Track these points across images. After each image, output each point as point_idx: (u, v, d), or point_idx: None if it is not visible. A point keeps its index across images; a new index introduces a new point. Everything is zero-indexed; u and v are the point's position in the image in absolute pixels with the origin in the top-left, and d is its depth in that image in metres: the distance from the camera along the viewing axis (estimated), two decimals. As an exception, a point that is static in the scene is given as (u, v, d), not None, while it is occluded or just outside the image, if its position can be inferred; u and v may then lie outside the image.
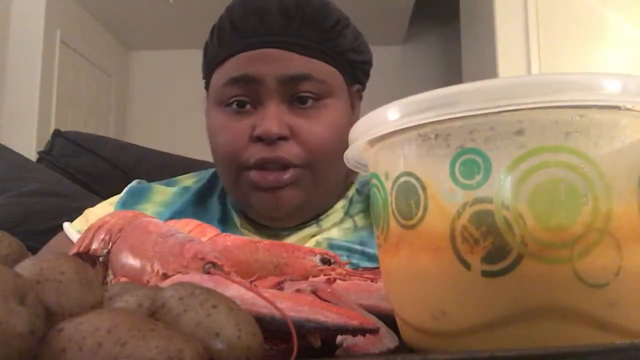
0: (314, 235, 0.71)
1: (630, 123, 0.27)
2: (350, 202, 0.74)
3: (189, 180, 0.83)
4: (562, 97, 0.25)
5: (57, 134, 1.15)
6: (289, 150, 0.64)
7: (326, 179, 0.68)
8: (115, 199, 0.79)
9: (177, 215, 0.71)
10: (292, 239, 0.70)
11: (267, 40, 0.66)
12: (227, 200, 0.77)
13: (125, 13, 3.45)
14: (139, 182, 0.81)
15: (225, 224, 0.74)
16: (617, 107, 0.26)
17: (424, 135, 0.28)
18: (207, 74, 0.73)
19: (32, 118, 2.82)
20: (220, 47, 0.69)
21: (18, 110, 2.80)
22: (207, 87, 0.75)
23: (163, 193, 0.78)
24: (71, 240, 0.72)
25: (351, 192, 0.76)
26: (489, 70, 2.29)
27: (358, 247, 0.68)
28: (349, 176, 0.76)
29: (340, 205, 0.74)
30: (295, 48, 0.66)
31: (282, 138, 0.64)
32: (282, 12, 0.66)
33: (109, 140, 1.26)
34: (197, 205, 0.76)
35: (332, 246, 0.69)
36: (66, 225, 0.75)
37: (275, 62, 0.65)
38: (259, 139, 0.64)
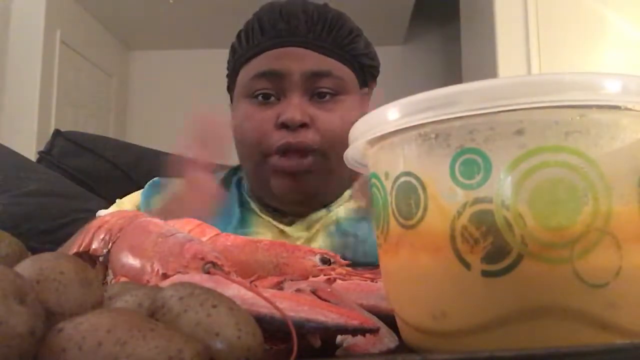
0: (323, 217, 0.78)
1: (630, 123, 0.27)
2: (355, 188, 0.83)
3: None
4: (562, 97, 0.25)
5: (57, 134, 1.15)
6: (309, 136, 0.72)
7: (338, 168, 0.74)
8: (139, 192, 0.85)
9: None
10: (303, 223, 0.78)
11: (293, 40, 0.74)
12: (246, 192, 0.83)
13: (125, 13, 3.45)
14: (159, 178, 0.87)
15: (243, 212, 0.81)
16: (617, 107, 0.26)
17: (424, 135, 0.28)
18: (233, 72, 0.81)
19: (32, 118, 2.81)
20: (248, 47, 0.77)
21: (18, 110, 2.80)
22: (230, 86, 0.83)
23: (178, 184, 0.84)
24: None
25: (358, 182, 0.83)
26: (489, 70, 2.29)
27: (364, 221, 0.76)
28: (353, 173, 0.82)
29: (348, 194, 0.82)
30: (317, 49, 0.75)
31: (304, 125, 0.72)
32: (306, 17, 0.76)
33: (109, 140, 1.26)
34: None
35: (340, 229, 0.77)
36: (102, 211, 0.79)
37: (299, 59, 0.74)
38: (283, 126, 0.72)
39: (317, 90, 0.74)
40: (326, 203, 0.80)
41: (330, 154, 0.74)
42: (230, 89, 0.83)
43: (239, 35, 0.80)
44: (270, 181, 0.75)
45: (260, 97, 0.74)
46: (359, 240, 0.75)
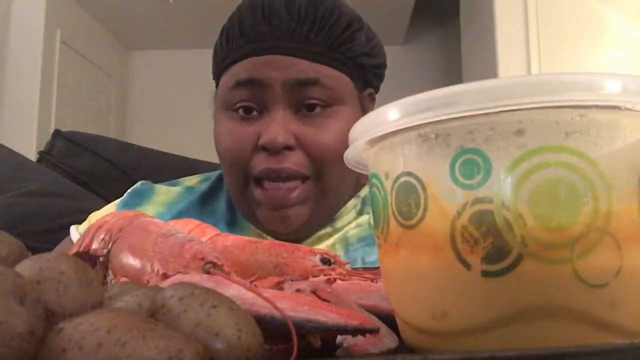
0: (330, 236, 0.70)
1: (630, 123, 0.27)
2: (363, 201, 0.74)
3: (193, 181, 0.82)
4: (562, 97, 0.25)
5: (57, 134, 1.15)
6: (295, 160, 0.63)
7: (334, 189, 0.67)
8: (118, 201, 0.78)
9: (179, 215, 0.71)
10: (307, 242, 0.69)
11: (275, 46, 0.64)
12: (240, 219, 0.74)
13: (125, 13, 3.45)
14: (143, 183, 0.80)
15: (233, 226, 0.73)
16: (617, 107, 0.26)
17: (424, 135, 0.28)
18: (217, 75, 0.72)
19: (32, 118, 2.81)
20: (228, 50, 0.68)
21: (18, 110, 2.80)
22: (216, 85, 0.73)
23: (166, 193, 0.77)
24: None
25: (364, 192, 0.75)
26: (489, 70, 2.29)
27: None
28: (360, 178, 0.74)
29: (352, 204, 0.73)
30: (304, 54, 0.64)
31: (288, 148, 0.62)
32: (290, 16, 0.65)
33: (109, 140, 1.26)
34: (203, 206, 0.75)
35: (348, 246, 0.69)
36: (73, 229, 0.74)
37: (282, 67, 0.63)
38: (264, 149, 0.62)
39: (304, 102, 0.64)
40: (329, 218, 0.71)
41: (323, 176, 0.65)
42: (216, 84, 0.73)
43: (220, 34, 0.70)
44: (256, 211, 0.66)
45: (240, 111, 0.65)
46: (366, 264, 0.67)
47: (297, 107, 0.64)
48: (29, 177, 1.03)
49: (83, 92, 3.38)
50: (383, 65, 0.73)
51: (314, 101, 0.64)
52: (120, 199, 0.78)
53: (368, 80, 0.71)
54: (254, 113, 0.65)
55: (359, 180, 0.75)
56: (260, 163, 0.63)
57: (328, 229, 0.71)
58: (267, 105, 0.64)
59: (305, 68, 0.64)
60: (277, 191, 0.63)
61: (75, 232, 0.74)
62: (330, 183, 0.66)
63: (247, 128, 0.64)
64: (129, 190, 0.78)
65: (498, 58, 2.19)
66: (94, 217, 0.75)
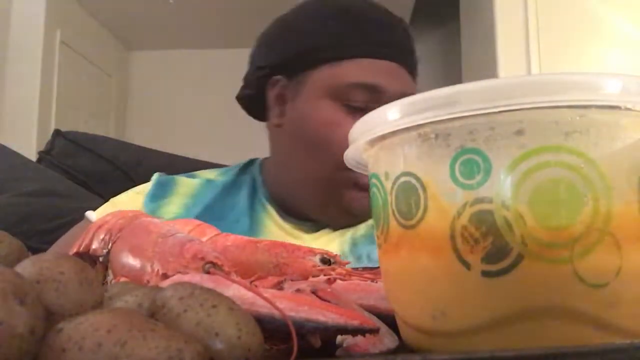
0: (351, 229, 0.75)
1: (630, 123, 0.27)
2: None
3: (211, 174, 0.84)
4: (562, 97, 0.25)
5: (57, 134, 1.15)
6: None
7: None
8: (142, 188, 0.80)
9: (207, 208, 0.75)
10: (326, 232, 0.74)
11: (395, 55, 0.71)
12: (261, 198, 0.78)
13: (125, 13, 3.45)
14: (161, 175, 0.82)
15: (254, 219, 0.76)
16: (617, 107, 0.26)
17: (424, 135, 0.28)
18: (303, 60, 0.73)
19: (32, 118, 2.81)
20: (342, 42, 0.71)
21: (18, 110, 2.80)
22: (286, 70, 0.74)
23: (187, 185, 0.80)
24: None
25: None
26: (489, 70, 2.29)
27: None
28: None
29: None
30: (410, 69, 0.72)
31: None
32: (404, 32, 0.73)
33: (109, 140, 1.26)
34: (225, 198, 0.79)
35: (355, 243, 0.73)
36: (90, 213, 0.76)
37: (400, 78, 0.71)
38: None
39: None
40: None
41: None
42: (285, 69, 0.74)
43: (325, 25, 0.72)
44: (345, 194, 0.71)
45: (352, 107, 0.69)
46: (371, 261, 0.71)
47: None
48: (29, 177, 1.03)
49: (83, 92, 3.38)
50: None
51: None
52: (144, 186, 0.80)
53: None
54: (361, 112, 0.69)
55: None
56: None
57: (351, 229, 0.75)
58: (373, 108, 0.71)
59: (408, 81, 0.72)
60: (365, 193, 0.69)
61: (94, 216, 0.75)
62: None
63: (352, 122, 0.70)
64: (153, 181, 0.80)
65: (498, 58, 2.19)
66: (116, 201, 0.78)
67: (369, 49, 0.70)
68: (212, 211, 0.75)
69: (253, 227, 0.75)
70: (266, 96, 0.77)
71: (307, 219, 0.76)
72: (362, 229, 0.75)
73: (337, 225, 0.75)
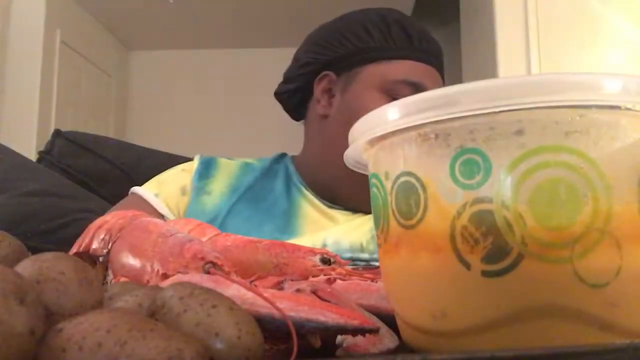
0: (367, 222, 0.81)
1: (630, 123, 0.27)
2: None
3: (248, 159, 0.93)
4: (562, 97, 0.25)
5: (57, 134, 1.15)
6: None
7: None
8: (188, 165, 0.88)
9: (249, 189, 0.84)
10: (358, 220, 0.81)
11: (433, 61, 0.83)
12: (296, 183, 0.87)
13: (125, 13, 3.45)
14: (202, 155, 0.90)
15: (290, 201, 0.84)
16: (617, 107, 0.26)
17: (424, 135, 0.28)
18: (354, 58, 0.83)
19: (32, 118, 2.81)
20: (388, 45, 0.82)
21: (18, 110, 2.80)
22: (336, 67, 0.84)
23: (229, 165, 0.89)
24: (149, 203, 0.80)
25: None
26: (489, 70, 2.29)
27: None
28: None
29: None
30: (441, 74, 0.86)
31: None
32: (437, 44, 0.86)
33: (109, 140, 1.26)
34: (264, 181, 0.87)
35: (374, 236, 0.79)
36: (138, 189, 0.83)
37: (435, 80, 0.83)
38: None
39: None
40: None
41: None
42: (334, 66, 0.84)
43: (376, 27, 0.82)
44: None
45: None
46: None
47: None
48: (29, 177, 1.03)
49: (83, 92, 3.38)
50: None
51: None
52: (190, 164, 0.88)
53: None
54: None
55: None
56: None
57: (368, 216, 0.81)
58: None
59: (441, 85, 0.83)
60: None
61: (145, 192, 0.82)
62: None
63: None
64: (197, 161, 0.88)
65: (498, 58, 2.19)
66: (161, 179, 0.84)
67: (414, 53, 0.81)
68: (253, 192, 0.83)
69: (291, 208, 0.82)
70: (311, 90, 0.87)
71: (342, 204, 0.84)
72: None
73: (367, 210, 0.82)
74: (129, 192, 0.83)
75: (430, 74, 0.82)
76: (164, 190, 0.82)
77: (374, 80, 0.81)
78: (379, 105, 0.77)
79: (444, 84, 0.86)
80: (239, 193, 0.83)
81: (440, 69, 0.85)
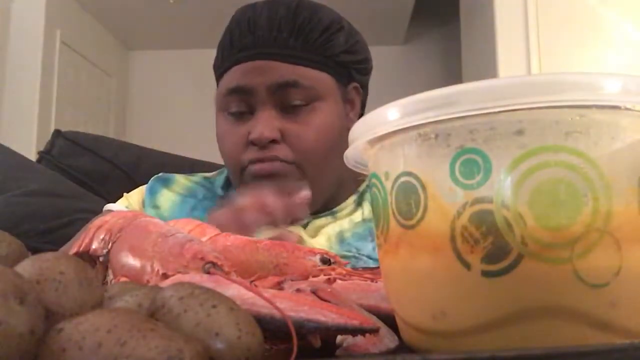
0: (329, 224, 0.77)
1: (630, 123, 0.27)
2: (362, 195, 0.82)
3: (210, 173, 0.90)
4: (562, 97, 0.25)
5: (57, 134, 1.15)
6: (280, 151, 0.72)
7: (319, 177, 0.74)
8: (144, 187, 0.86)
9: (197, 203, 0.80)
10: (309, 229, 0.76)
11: (258, 53, 0.73)
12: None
13: (125, 13, 3.45)
14: (164, 173, 0.88)
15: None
16: (617, 107, 0.26)
17: (424, 135, 0.28)
18: (217, 81, 0.80)
19: (32, 118, 2.81)
20: (222, 60, 0.77)
21: (18, 110, 2.80)
22: None
23: (186, 179, 0.86)
24: None
25: (362, 187, 0.83)
26: (489, 70, 2.29)
27: (369, 237, 0.75)
28: (358, 175, 0.78)
29: (352, 199, 0.81)
30: (283, 58, 0.72)
31: (274, 141, 0.71)
32: (271, 26, 0.73)
33: (109, 140, 1.26)
34: (220, 196, 0.84)
35: (342, 240, 0.75)
36: (111, 205, 0.81)
37: (264, 73, 0.72)
38: (253, 143, 0.72)
39: (287, 101, 0.72)
40: (328, 208, 0.78)
41: (304, 165, 0.73)
42: None
43: (218, 46, 0.80)
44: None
45: (234, 114, 0.74)
46: (359, 256, 0.73)
47: (282, 106, 0.72)
48: (29, 177, 1.03)
49: (83, 92, 3.38)
50: (365, 61, 0.80)
51: (296, 101, 0.72)
52: (145, 186, 0.85)
53: (351, 76, 0.78)
54: (245, 114, 0.74)
55: (358, 175, 0.80)
56: (250, 154, 0.73)
57: (329, 219, 0.78)
58: (255, 107, 0.73)
59: (285, 72, 0.72)
60: (262, 164, 0.73)
61: (116, 205, 0.81)
62: (311, 171, 0.74)
63: (240, 128, 0.74)
64: (153, 177, 0.85)
65: (498, 58, 2.20)
66: (130, 197, 0.83)
67: (234, 56, 0.74)
68: (205, 205, 0.80)
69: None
70: None
71: None
72: (347, 223, 0.78)
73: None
74: (103, 210, 0.81)
75: (253, 69, 0.72)
76: (132, 202, 0.82)
77: (217, 100, 0.78)
78: (225, 127, 0.75)
79: (301, 59, 0.73)
80: (191, 204, 0.81)
81: (276, 52, 0.72)
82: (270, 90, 0.71)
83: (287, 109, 0.72)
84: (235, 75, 0.74)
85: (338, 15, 0.79)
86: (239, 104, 0.74)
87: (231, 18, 0.79)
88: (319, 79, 0.74)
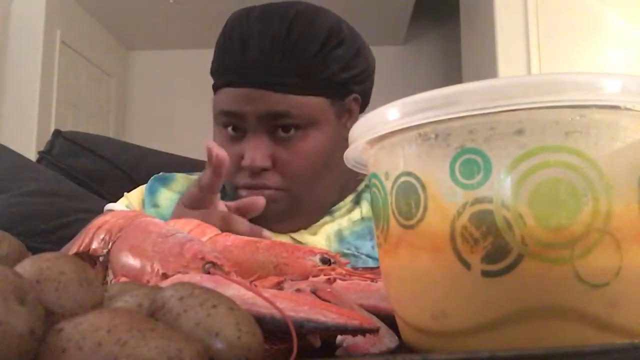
0: (327, 223, 0.78)
1: (630, 123, 0.27)
2: (360, 194, 0.82)
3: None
4: (562, 97, 0.25)
5: (57, 134, 1.15)
6: (270, 178, 0.72)
7: (308, 199, 0.75)
8: (144, 185, 0.85)
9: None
10: (309, 230, 0.77)
11: (248, 81, 0.70)
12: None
13: (125, 13, 3.45)
14: (164, 173, 0.88)
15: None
16: (617, 107, 0.26)
17: (424, 135, 0.28)
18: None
19: (32, 118, 2.81)
20: (215, 75, 0.76)
21: (18, 110, 2.80)
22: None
23: (185, 178, 0.86)
24: None
25: (361, 186, 0.83)
26: (489, 70, 2.29)
27: (368, 236, 0.75)
28: (356, 175, 0.78)
29: (350, 198, 0.81)
30: (274, 87, 0.69)
31: (265, 169, 0.71)
32: (262, 47, 0.70)
33: (109, 140, 1.26)
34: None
35: (342, 238, 0.75)
36: (112, 205, 0.81)
37: (255, 101, 0.70)
38: (245, 168, 0.72)
39: (278, 129, 0.71)
40: (324, 210, 0.79)
41: (296, 190, 0.73)
42: None
43: (214, 51, 0.77)
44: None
45: (229, 130, 0.74)
46: (358, 255, 0.74)
47: (273, 132, 0.72)
48: (29, 177, 1.03)
49: (83, 92, 3.38)
50: (365, 70, 0.77)
51: (287, 129, 0.71)
52: (145, 185, 0.84)
53: (349, 90, 0.76)
54: (239, 133, 0.73)
55: (356, 176, 0.80)
56: (242, 178, 0.73)
57: (327, 218, 0.78)
58: (246, 131, 0.73)
59: (276, 101, 0.70)
60: (252, 190, 0.73)
61: (118, 205, 0.80)
62: (302, 194, 0.74)
63: (234, 147, 0.73)
64: (153, 177, 0.85)
65: (498, 58, 2.20)
66: (130, 196, 0.83)
67: (228, 78, 0.72)
68: None
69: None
70: None
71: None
72: (345, 222, 0.78)
73: (280, 230, 0.76)
74: (104, 210, 0.81)
75: (247, 96, 0.70)
76: (132, 201, 0.82)
77: (213, 111, 0.76)
78: (220, 141, 0.74)
79: (291, 89, 0.70)
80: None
81: (266, 81, 0.70)
82: (260, 118, 0.70)
83: (279, 134, 0.71)
84: (226, 98, 0.72)
85: (337, 22, 0.75)
86: (231, 125, 0.73)
87: (224, 25, 0.77)
88: (311, 105, 0.71)
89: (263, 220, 0.74)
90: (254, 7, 0.75)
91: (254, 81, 0.70)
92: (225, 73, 0.73)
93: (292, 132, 0.71)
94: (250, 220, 0.75)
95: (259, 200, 0.65)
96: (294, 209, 0.75)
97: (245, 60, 0.71)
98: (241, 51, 0.71)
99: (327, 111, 0.74)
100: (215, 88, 0.75)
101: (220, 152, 0.60)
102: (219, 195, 0.65)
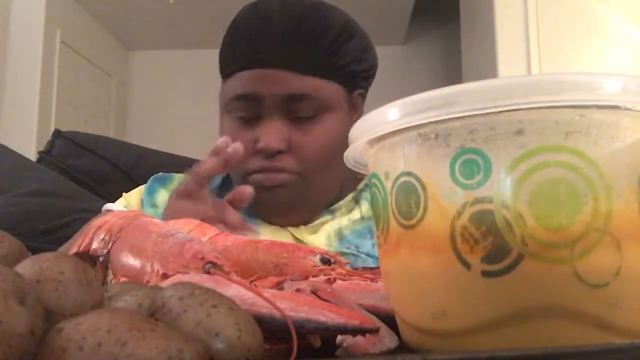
0: (328, 222, 0.78)
1: (630, 123, 0.27)
2: (359, 193, 0.82)
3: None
4: (562, 97, 0.25)
5: (57, 134, 1.15)
6: (286, 161, 0.72)
7: (320, 185, 0.75)
8: (143, 186, 0.85)
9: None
10: (308, 228, 0.77)
11: (266, 59, 0.70)
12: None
13: (125, 13, 3.45)
14: (163, 174, 0.87)
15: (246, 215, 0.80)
16: (617, 107, 0.26)
17: (424, 135, 0.28)
18: (222, 79, 0.78)
19: (32, 118, 2.81)
20: (227, 61, 0.75)
21: (18, 110, 2.80)
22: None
23: (179, 180, 0.85)
24: None
25: (360, 185, 0.83)
26: (489, 70, 2.29)
27: (368, 235, 0.76)
28: (356, 174, 0.79)
29: (350, 197, 0.81)
30: (293, 68, 0.70)
31: (280, 152, 0.71)
32: (281, 30, 0.70)
33: (109, 140, 1.26)
34: (215, 196, 0.82)
35: (342, 237, 0.76)
36: (110, 205, 0.81)
37: (273, 83, 0.70)
38: (260, 152, 0.71)
39: (295, 113, 0.71)
40: (326, 206, 0.79)
41: (310, 175, 0.73)
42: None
43: (222, 42, 0.77)
44: (259, 195, 0.73)
45: (240, 117, 0.73)
46: (358, 254, 0.74)
47: (289, 116, 0.72)
48: (29, 177, 1.03)
49: (83, 92, 3.38)
50: (372, 68, 0.79)
51: (304, 113, 0.71)
52: (144, 185, 0.85)
53: (357, 84, 0.78)
54: (252, 118, 0.73)
55: (356, 175, 0.81)
56: (257, 162, 0.72)
57: (327, 217, 0.78)
58: (262, 114, 0.72)
59: (294, 82, 0.70)
60: (267, 173, 0.73)
61: (116, 205, 0.80)
62: (316, 180, 0.74)
63: (246, 133, 0.72)
64: (152, 177, 0.85)
65: (498, 58, 2.20)
66: (129, 196, 0.83)
67: (241, 62, 0.72)
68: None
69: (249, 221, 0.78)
70: None
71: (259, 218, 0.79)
72: (345, 221, 0.78)
73: (281, 223, 0.77)
74: (102, 210, 0.81)
75: (263, 78, 0.70)
76: (131, 201, 0.82)
77: (222, 102, 0.76)
78: (230, 129, 0.74)
79: (309, 71, 0.70)
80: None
81: (286, 62, 0.70)
82: (278, 100, 0.70)
83: (295, 119, 0.71)
84: (242, 81, 0.72)
85: (348, 19, 0.77)
86: (246, 110, 0.72)
87: (238, 13, 0.76)
88: (327, 89, 0.72)
89: (266, 211, 0.76)
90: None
91: (273, 61, 0.70)
92: (240, 56, 0.72)
93: (310, 115, 0.71)
94: (254, 212, 0.77)
95: (246, 189, 0.65)
96: (300, 199, 0.74)
97: (263, 43, 0.71)
98: (260, 34, 0.71)
99: (341, 98, 0.75)
100: (226, 76, 0.75)
101: (237, 144, 0.61)
102: (207, 191, 0.65)
